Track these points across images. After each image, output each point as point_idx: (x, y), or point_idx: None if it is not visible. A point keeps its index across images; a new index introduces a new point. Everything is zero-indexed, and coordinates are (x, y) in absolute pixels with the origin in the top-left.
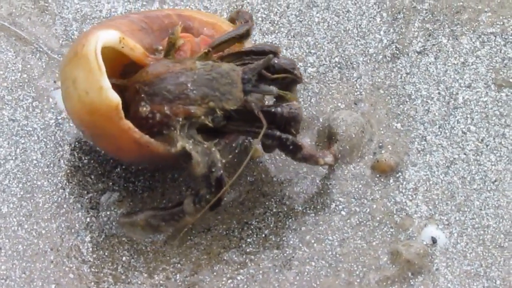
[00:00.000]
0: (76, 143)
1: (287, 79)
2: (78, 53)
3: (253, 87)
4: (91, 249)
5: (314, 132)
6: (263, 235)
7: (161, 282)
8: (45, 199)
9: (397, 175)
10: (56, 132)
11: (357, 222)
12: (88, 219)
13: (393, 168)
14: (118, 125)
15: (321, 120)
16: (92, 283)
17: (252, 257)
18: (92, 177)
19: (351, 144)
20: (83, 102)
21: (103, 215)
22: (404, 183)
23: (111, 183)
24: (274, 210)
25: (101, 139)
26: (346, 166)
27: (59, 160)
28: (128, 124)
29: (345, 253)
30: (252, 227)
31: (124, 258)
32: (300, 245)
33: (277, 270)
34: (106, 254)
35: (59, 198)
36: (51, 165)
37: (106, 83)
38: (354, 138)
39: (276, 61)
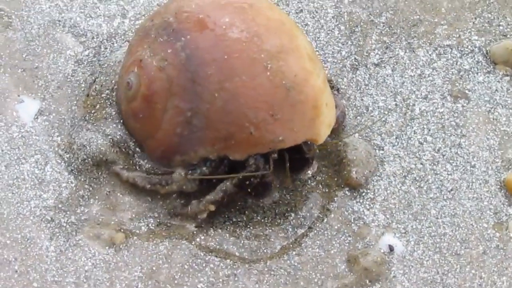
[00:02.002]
0: (40, 155)
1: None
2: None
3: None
4: (54, 258)
5: None
6: (222, 245)
7: None
8: (9, 211)
9: None
10: (20, 145)
11: (315, 231)
12: (52, 230)
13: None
14: None
15: None
16: None
17: (211, 265)
18: (56, 188)
19: None
20: None
21: (67, 226)
22: (362, 192)
23: (75, 193)
24: (234, 220)
25: None
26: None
27: (23, 173)
28: None
29: (304, 262)
30: (210, 236)
31: (86, 267)
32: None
33: (236, 279)
34: (69, 263)
35: (25, 210)
36: (15, 177)
37: None
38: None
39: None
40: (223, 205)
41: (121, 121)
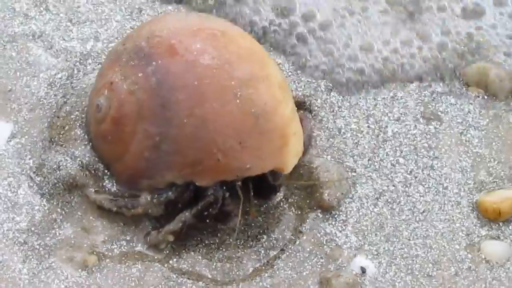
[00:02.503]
0: (12, 178)
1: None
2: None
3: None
4: (27, 281)
5: None
6: (195, 267)
7: None
8: None
9: None
10: None
11: (288, 253)
12: (25, 253)
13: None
14: None
15: None
16: None
17: (184, 287)
18: (29, 211)
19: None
20: None
21: (40, 248)
22: (334, 214)
23: (48, 216)
24: (206, 242)
25: None
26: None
27: None
28: None
29: (276, 284)
30: (183, 258)
31: None
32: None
33: None
34: (42, 286)
35: None
36: None
37: None
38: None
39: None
40: (182, 235)
41: (90, 143)
